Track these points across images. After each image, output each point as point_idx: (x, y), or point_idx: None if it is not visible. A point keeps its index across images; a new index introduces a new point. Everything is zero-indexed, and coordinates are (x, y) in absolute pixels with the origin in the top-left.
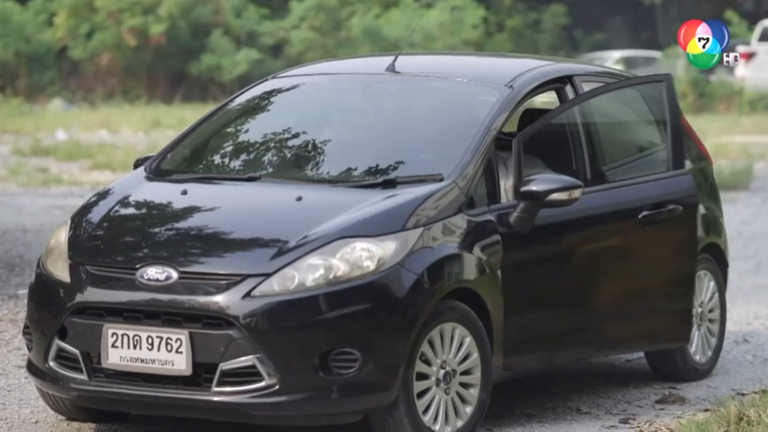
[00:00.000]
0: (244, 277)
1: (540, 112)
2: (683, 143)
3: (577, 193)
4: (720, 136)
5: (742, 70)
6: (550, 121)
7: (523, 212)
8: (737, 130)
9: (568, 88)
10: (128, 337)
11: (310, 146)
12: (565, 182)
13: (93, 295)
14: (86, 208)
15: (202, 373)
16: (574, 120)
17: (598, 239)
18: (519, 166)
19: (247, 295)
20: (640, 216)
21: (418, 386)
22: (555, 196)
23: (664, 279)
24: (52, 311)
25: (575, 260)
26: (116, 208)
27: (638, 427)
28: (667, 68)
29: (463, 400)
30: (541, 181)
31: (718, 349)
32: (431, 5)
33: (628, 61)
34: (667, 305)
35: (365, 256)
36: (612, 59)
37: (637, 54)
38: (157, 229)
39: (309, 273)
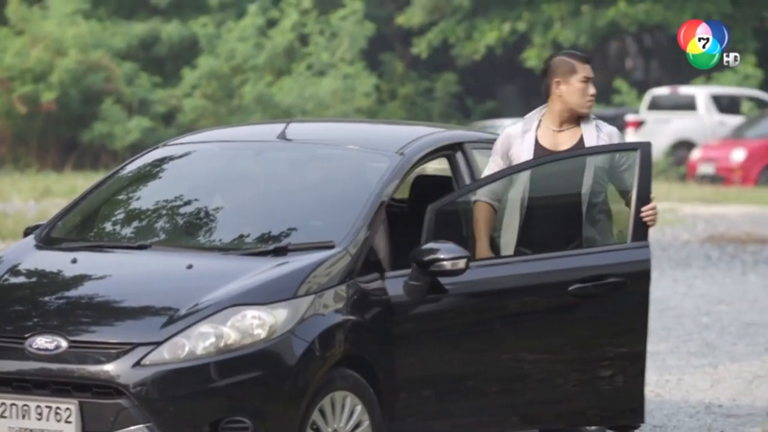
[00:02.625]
0: (135, 345)
1: (432, 179)
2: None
3: (461, 263)
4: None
5: (631, 138)
6: (469, 191)
7: (416, 280)
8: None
9: (459, 155)
10: (17, 407)
11: (201, 214)
12: (453, 251)
13: None
14: None
15: None
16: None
17: (499, 310)
18: (429, 234)
19: (137, 363)
20: (570, 289)
21: None
22: (440, 264)
23: (600, 354)
24: None
25: (472, 331)
26: (5, 276)
27: None
28: None
29: None
30: (429, 250)
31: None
32: (323, 73)
33: None
34: (600, 384)
35: (256, 323)
36: (503, 127)
37: None
38: (46, 298)
39: (199, 341)
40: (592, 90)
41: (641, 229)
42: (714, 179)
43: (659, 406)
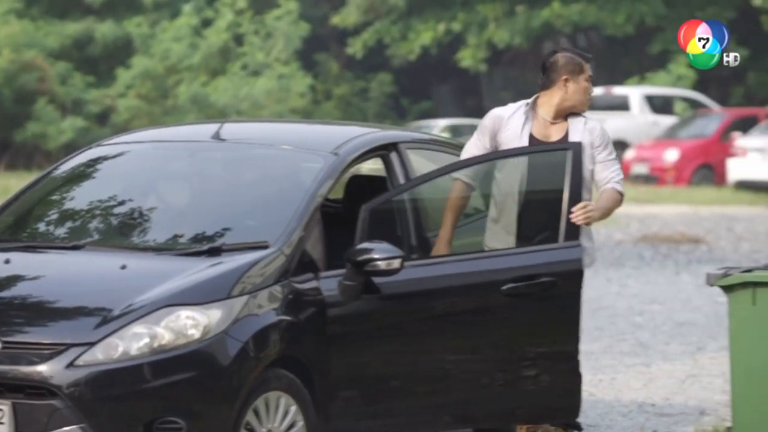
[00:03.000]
0: (68, 346)
1: (367, 179)
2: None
3: (396, 263)
4: None
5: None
6: (403, 191)
7: (350, 280)
8: None
9: (394, 155)
10: None
11: (135, 214)
12: (387, 251)
13: None
14: None
15: None
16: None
17: (433, 310)
18: (363, 234)
19: (71, 364)
20: (502, 288)
21: None
22: (375, 264)
23: (531, 354)
24: None
25: (404, 332)
26: None
27: None
28: None
29: None
30: (363, 250)
31: None
32: (258, 73)
33: (454, 129)
34: (536, 382)
35: (190, 324)
36: (438, 127)
37: (463, 122)
38: None
39: (133, 342)
40: (593, 90)
41: (572, 229)
42: (647, 179)
43: (593, 406)
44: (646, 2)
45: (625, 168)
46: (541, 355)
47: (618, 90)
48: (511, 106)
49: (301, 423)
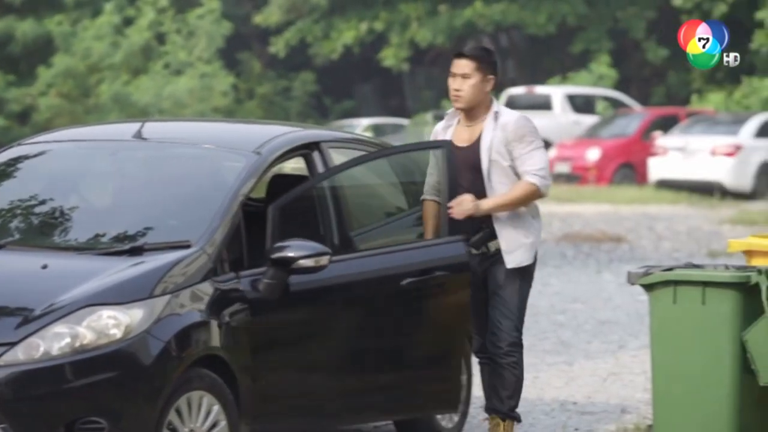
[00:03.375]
0: None
1: (289, 178)
2: None
3: (324, 260)
4: None
5: None
6: (311, 188)
7: (271, 278)
8: None
9: (316, 155)
10: None
11: (56, 213)
12: (310, 249)
13: None
14: None
15: None
16: (323, 187)
17: (349, 306)
18: (273, 233)
19: None
20: (403, 283)
21: None
22: (302, 262)
23: (430, 346)
24: None
25: (326, 327)
26: None
27: None
28: (415, 136)
29: None
30: (288, 248)
31: (464, 415)
32: (180, 72)
33: (376, 129)
34: (431, 373)
35: (112, 323)
36: (361, 126)
37: (386, 121)
38: None
39: (55, 341)
40: (454, 85)
41: (452, 225)
42: (569, 178)
43: None
44: (568, 2)
45: None
46: (430, 349)
47: (540, 89)
48: (449, 113)
49: (223, 423)
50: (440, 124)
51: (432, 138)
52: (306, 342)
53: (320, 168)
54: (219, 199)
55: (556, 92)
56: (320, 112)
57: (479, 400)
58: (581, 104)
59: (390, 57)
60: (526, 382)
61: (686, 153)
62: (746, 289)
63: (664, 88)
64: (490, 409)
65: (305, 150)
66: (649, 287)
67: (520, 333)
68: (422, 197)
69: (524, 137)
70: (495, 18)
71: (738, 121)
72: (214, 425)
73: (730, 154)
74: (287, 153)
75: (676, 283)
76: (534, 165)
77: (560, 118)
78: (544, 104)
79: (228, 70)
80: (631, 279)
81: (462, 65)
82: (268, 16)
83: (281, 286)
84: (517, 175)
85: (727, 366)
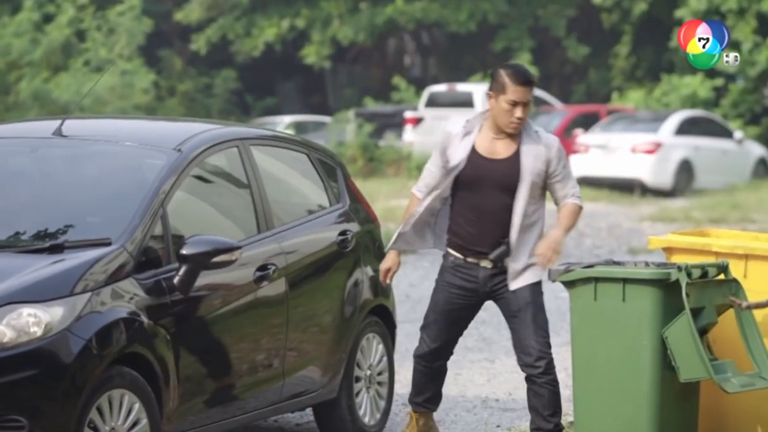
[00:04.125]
0: None
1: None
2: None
3: (235, 254)
4: (389, 200)
5: (410, 135)
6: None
7: (183, 275)
8: (406, 194)
9: (237, 151)
10: None
11: None
12: (221, 244)
13: None
14: None
15: None
16: (243, 182)
17: (254, 300)
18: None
19: None
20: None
21: None
22: (213, 258)
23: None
24: None
25: (235, 322)
26: None
27: None
28: (337, 133)
29: None
30: (197, 244)
31: (387, 412)
32: (101, 69)
33: (298, 126)
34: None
35: (32, 321)
36: (283, 124)
37: (308, 119)
38: None
39: None
40: (518, 113)
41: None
42: None
43: None
44: (489, 0)
45: None
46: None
47: (461, 87)
48: (470, 120)
49: (144, 421)
50: (458, 127)
51: (445, 143)
52: (219, 339)
53: (242, 165)
54: (140, 196)
55: (477, 90)
56: (242, 110)
57: (401, 397)
58: None
59: (312, 54)
60: (448, 380)
61: (607, 150)
62: (666, 286)
63: (584, 85)
64: (536, 429)
65: (227, 147)
66: (569, 284)
67: (551, 348)
68: (413, 191)
69: (562, 159)
70: (416, 15)
71: (658, 119)
72: (135, 423)
73: (650, 152)
74: (208, 150)
75: (597, 279)
76: (575, 187)
77: None
78: (466, 101)
79: (149, 68)
80: (552, 276)
81: (527, 93)
82: (189, 13)
83: (192, 281)
84: (535, 192)
85: (648, 362)
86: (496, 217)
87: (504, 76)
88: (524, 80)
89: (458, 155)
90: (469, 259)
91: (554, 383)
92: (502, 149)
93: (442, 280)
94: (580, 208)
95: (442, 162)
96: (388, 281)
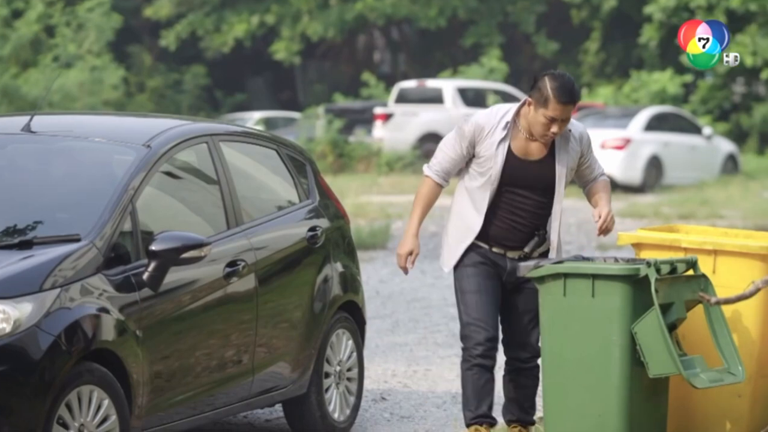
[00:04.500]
0: None
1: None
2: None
3: (204, 250)
4: (359, 196)
5: (380, 131)
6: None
7: (153, 271)
8: (375, 190)
9: (206, 147)
10: None
11: None
12: (190, 240)
13: None
14: None
15: None
16: (212, 178)
17: (223, 296)
18: (136, 226)
19: None
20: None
21: None
22: (182, 254)
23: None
24: None
25: (205, 318)
26: None
27: None
28: (307, 129)
29: None
30: (166, 240)
31: (356, 408)
32: (70, 65)
33: (268, 122)
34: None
35: (1, 317)
36: (253, 120)
37: (278, 114)
38: None
39: None
40: (554, 129)
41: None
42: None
43: (407, 397)
44: None
45: None
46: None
47: (431, 83)
48: (496, 114)
49: (114, 417)
50: (490, 122)
51: (473, 135)
52: (188, 335)
53: (211, 161)
54: (109, 192)
55: (447, 86)
56: (212, 106)
57: (371, 393)
58: (472, 98)
59: (281, 50)
60: (417, 376)
61: None
62: (635, 282)
63: None
64: (514, 421)
65: (196, 143)
66: (539, 280)
67: None
68: (429, 174)
69: (590, 145)
70: (386, 11)
71: (627, 115)
72: (104, 420)
73: (619, 148)
74: (177, 146)
75: (566, 275)
76: (601, 166)
77: (451, 112)
78: (436, 98)
79: (118, 63)
80: (522, 271)
81: (569, 110)
82: (159, 9)
83: (161, 277)
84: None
85: (617, 358)
86: (528, 215)
87: (549, 89)
88: (569, 100)
89: (495, 157)
90: (495, 250)
91: (537, 369)
92: (536, 151)
93: (468, 264)
94: (609, 179)
95: (466, 152)
96: (411, 266)
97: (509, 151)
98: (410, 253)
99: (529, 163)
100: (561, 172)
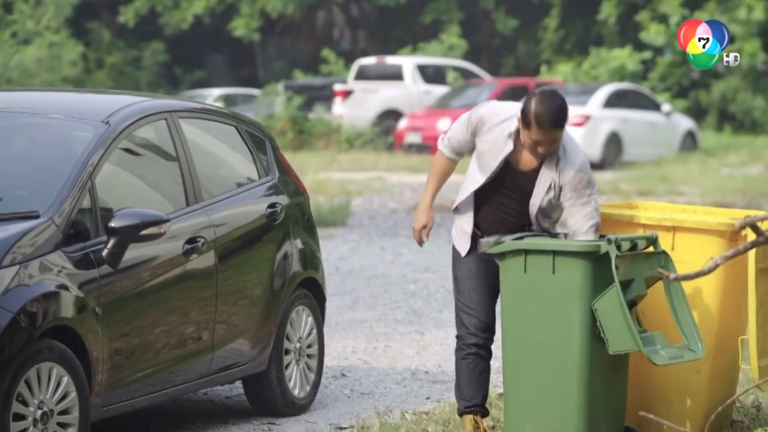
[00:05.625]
0: None
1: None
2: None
3: (164, 227)
4: (318, 173)
5: (339, 108)
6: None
7: (112, 248)
8: (335, 166)
9: (165, 124)
10: None
11: None
12: (149, 217)
13: None
14: None
15: None
16: (171, 155)
17: (183, 273)
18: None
19: None
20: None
21: (15, 427)
22: (141, 231)
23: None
24: None
25: (164, 295)
26: None
27: None
28: (266, 106)
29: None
30: (125, 217)
31: (316, 384)
32: (28, 41)
33: (228, 99)
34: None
35: None
36: (212, 96)
37: (237, 91)
38: None
39: None
40: (540, 150)
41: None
42: (420, 148)
43: (367, 374)
44: None
45: (398, 137)
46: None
47: (391, 60)
48: (499, 114)
49: (73, 394)
50: (488, 117)
51: (476, 125)
52: (147, 311)
53: (170, 138)
54: (68, 169)
55: (406, 62)
56: (171, 82)
57: (331, 370)
58: (432, 74)
59: (240, 27)
60: (377, 353)
61: None
62: (596, 259)
63: (513, 58)
64: (475, 407)
65: (155, 119)
66: (500, 256)
67: None
68: (441, 148)
69: (579, 186)
70: None
71: (586, 92)
72: (64, 396)
73: (579, 125)
74: (136, 122)
75: (527, 252)
76: (591, 219)
77: (411, 89)
78: (395, 74)
79: (77, 40)
80: (482, 248)
81: (553, 134)
82: None
83: (121, 254)
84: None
85: (577, 334)
86: (515, 213)
87: (532, 114)
88: (551, 127)
89: (490, 160)
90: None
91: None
92: (527, 162)
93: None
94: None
95: (470, 138)
96: (426, 239)
97: (506, 158)
98: (424, 227)
99: (518, 172)
100: (538, 193)
